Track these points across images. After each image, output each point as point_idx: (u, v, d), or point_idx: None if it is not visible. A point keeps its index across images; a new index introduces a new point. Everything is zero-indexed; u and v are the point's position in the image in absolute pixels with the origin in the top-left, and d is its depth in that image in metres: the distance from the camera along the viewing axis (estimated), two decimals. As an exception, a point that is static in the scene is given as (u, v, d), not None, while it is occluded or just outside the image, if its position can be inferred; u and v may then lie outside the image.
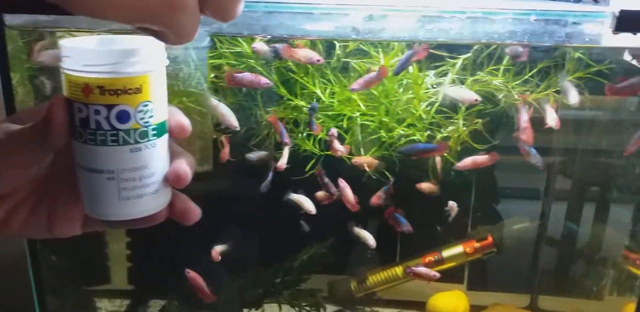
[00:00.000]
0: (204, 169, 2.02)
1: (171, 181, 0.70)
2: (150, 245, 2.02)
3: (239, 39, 1.41)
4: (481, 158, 1.59)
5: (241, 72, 1.42)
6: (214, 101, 1.46)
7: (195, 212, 0.75)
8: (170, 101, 0.66)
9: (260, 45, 1.38)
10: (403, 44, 1.37)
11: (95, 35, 0.71)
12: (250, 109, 1.63)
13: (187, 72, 1.48)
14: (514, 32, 1.16)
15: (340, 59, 1.47)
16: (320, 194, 1.67)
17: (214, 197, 1.97)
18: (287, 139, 1.56)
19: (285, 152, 1.60)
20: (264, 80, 1.40)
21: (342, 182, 1.62)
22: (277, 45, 1.39)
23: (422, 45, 1.32)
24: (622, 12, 1.12)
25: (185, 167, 0.70)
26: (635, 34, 1.14)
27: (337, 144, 1.54)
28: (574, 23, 1.15)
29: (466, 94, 1.44)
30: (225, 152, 1.69)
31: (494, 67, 1.43)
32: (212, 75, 1.55)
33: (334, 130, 1.53)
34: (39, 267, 1.65)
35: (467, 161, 1.59)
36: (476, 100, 1.43)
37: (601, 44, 1.18)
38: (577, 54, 1.38)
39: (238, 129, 1.56)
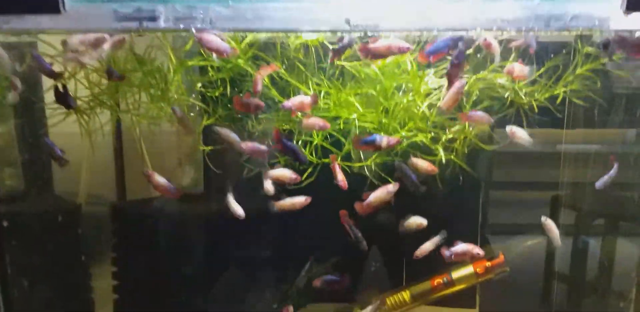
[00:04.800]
0: (195, 190, 1.91)
1: None
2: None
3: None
4: None
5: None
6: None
7: None
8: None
9: None
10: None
11: None
12: (241, 120, 1.54)
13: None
14: (518, 17, 1.09)
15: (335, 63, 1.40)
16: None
17: (206, 220, 1.87)
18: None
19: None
20: (402, 44, 1.27)
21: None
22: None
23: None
24: (633, -10, 1.05)
25: None
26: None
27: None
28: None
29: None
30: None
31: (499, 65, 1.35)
32: (200, 84, 1.47)
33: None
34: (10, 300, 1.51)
35: None
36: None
37: (610, 27, 1.10)
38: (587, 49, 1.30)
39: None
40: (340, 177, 1.47)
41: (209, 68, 1.43)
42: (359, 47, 1.27)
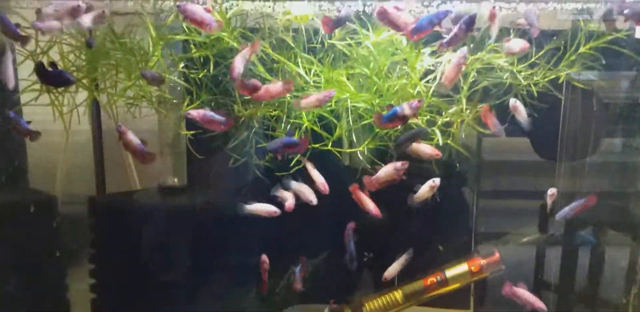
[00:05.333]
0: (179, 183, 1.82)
1: None
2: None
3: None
4: None
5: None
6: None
7: None
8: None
9: None
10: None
11: None
12: (226, 105, 1.46)
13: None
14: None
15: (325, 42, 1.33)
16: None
17: (190, 215, 1.78)
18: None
19: None
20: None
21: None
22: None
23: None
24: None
25: None
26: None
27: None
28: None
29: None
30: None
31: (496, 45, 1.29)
32: (182, 64, 1.39)
33: None
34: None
35: None
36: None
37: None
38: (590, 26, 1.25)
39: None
40: (372, 207, 1.41)
41: (192, 46, 1.35)
42: (377, 9, 1.17)
